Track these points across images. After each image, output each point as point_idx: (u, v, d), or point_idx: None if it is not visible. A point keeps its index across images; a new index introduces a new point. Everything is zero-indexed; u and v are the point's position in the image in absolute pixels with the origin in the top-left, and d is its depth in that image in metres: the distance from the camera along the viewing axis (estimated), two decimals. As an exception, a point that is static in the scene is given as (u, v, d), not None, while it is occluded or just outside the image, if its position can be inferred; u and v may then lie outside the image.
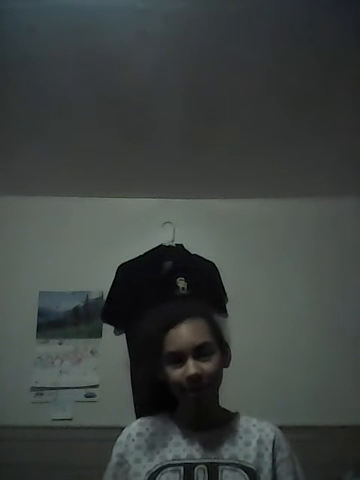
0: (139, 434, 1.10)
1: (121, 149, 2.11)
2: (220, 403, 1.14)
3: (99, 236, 2.45)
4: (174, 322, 1.07)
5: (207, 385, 1.03)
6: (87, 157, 2.18)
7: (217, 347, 1.09)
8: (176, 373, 1.04)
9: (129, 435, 1.11)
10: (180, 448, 1.06)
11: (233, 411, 1.17)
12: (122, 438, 1.12)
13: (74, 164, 2.24)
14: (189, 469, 1.01)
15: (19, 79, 1.69)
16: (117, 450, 1.10)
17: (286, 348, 2.26)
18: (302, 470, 1.10)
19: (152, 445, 1.08)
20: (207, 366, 1.04)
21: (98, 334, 2.29)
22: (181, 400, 1.10)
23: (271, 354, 2.23)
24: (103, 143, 2.06)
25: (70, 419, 2.16)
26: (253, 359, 2.15)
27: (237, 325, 2.13)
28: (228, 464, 1.02)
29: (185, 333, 1.06)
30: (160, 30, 1.50)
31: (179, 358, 1.04)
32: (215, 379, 1.07)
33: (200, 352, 1.04)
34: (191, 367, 1.02)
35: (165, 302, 1.15)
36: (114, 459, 1.10)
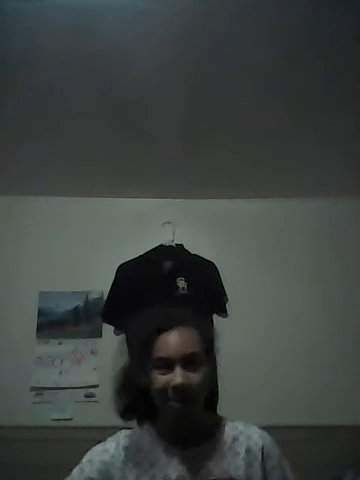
0: (125, 448, 1.06)
1: (121, 149, 2.11)
2: (219, 404, 1.13)
3: (99, 236, 2.45)
4: (166, 327, 1.04)
5: (192, 397, 0.99)
6: (87, 157, 2.18)
7: (206, 359, 1.05)
8: (161, 380, 1.00)
9: (117, 446, 1.07)
10: (169, 467, 1.02)
11: (217, 415, 1.13)
12: (108, 446, 1.08)
13: (74, 164, 2.24)
14: None
15: (19, 79, 1.69)
16: (101, 457, 1.06)
17: (286, 348, 2.25)
18: (293, 474, 1.07)
19: (139, 462, 1.04)
20: (194, 377, 0.99)
21: (98, 334, 2.29)
22: (163, 410, 1.05)
23: (271, 354, 2.23)
24: (103, 143, 2.06)
25: (70, 419, 2.16)
26: (253, 359, 2.15)
27: (237, 325, 2.13)
28: (218, 479, 0.99)
29: (176, 340, 1.02)
30: (160, 30, 1.50)
31: (167, 365, 1.00)
32: (201, 391, 1.02)
33: (189, 362, 1.00)
34: (178, 376, 0.98)
35: (159, 304, 1.10)
36: (95, 464, 1.05)
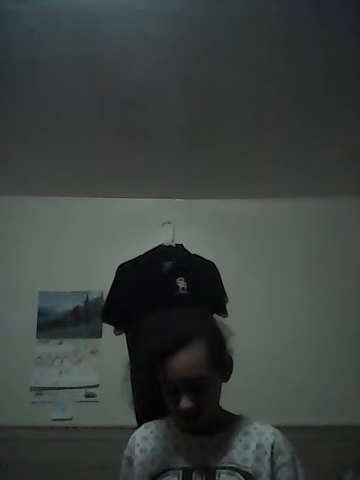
0: (144, 438, 1.13)
1: (121, 149, 2.11)
2: (221, 404, 1.13)
3: (99, 236, 2.45)
4: (172, 349, 1.00)
5: (199, 416, 1.02)
6: (87, 157, 2.18)
7: (215, 373, 1.04)
8: (171, 399, 1.03)
9: (134, 439, 1.15)
10: (179, 452, 1.07)
11: (236, 413, 1.16)
12: (129, 442, 1.16)
13: (74, 164, 2.24)
14: (187, 473, 1.03)
15: (19, 79, 1.69)
16: (125, 453, 1.15)
17: (286, 348, 2.25)
18: (304, 475, 1.08)
19: (154, 448, 1.10)
20: (201, 399, 1.01)
21: (98, 334, 2.29)
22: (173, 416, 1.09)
23: (271, 354, 2.23)
24: (103, 143, 2.06)
25: (70, 419, 2.16)
26: (253, 359, 2.15)
27: (237, 325, 2.12)
28: (225, 468, 1.02)
29: (181, 365, 1.00)
30: (160, 30, 1.50)
31: (174, 388, 1.01)
32: (209, 409, 1.04)
33: (195, 385, 1.00)
34: (183, 402, 0.99)
35: (163, 316, 1.08)
36: (123, 462, 1.14)
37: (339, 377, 2.20)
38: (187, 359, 1.00)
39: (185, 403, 0.99)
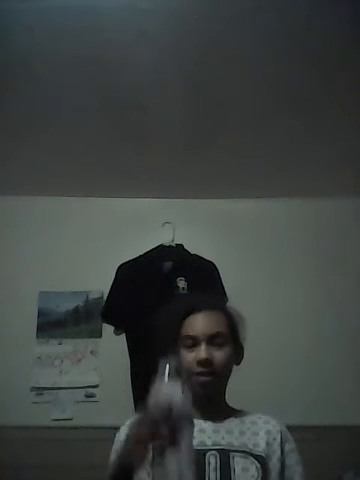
0: None
1: (121, 149, 2.11)
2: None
3: (99, 236, 2.45)
4: (194, 310, 1.13)
5: (216, 372, 1.07)
6: (87, 157, 2.18)
7: (231, 341, 1.13)
8: (188, 356, 1.08)
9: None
10: None
11: (238, 409, 1.18)
12: (130, 422, 1.12)
13: (74, 164, 2.24)
14: (200, 456, 1.02)
15: (19, 79, 1.69)
16: (125, 432, 1.10)
17: (286, 348, 2.26)
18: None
19: None
20: (219, 354, 1.08)
21: (98, 334, 2.29)
22: (189, 384, 1.10)
23: (271, 354, 2.23)
24: (103, 143, 2.06)
25: (70, 419, 2.16)
26: (253, 359, 2.13)
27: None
28: (239, 451, 1.04)
29: (202, 320, 1.12)
30: (160, 30, 1.50)
31: (193, 343, 1.09)
32: (224, 369, 1.10)
33: (214, 340, 1.09)
34: (203, 351, 1.06)
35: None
36: (122, 436, 1.10)
37: (338, 377, 2.20)
38: (209, 316, 1.13)
39: (202, 353, 1.06)
